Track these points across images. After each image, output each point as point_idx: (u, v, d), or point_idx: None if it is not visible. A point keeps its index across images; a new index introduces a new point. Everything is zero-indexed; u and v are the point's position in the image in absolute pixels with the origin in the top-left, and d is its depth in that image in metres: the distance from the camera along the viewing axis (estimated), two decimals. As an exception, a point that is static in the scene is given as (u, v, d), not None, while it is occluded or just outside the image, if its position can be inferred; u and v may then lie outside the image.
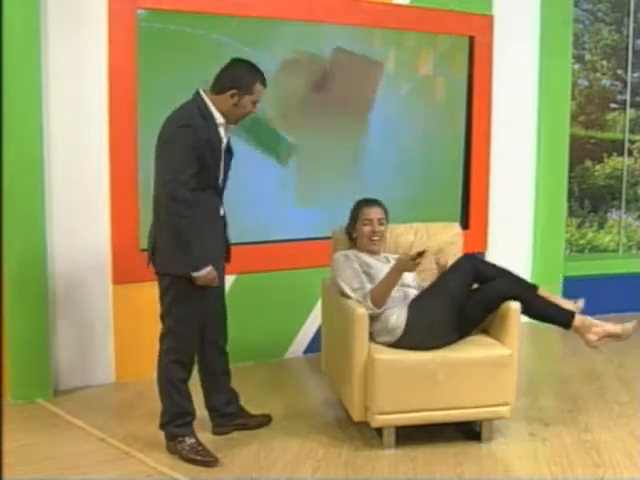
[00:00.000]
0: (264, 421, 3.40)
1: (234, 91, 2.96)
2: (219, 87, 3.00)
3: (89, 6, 3.76)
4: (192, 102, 3.00)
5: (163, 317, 3.07)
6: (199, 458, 2.99)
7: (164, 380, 3.06)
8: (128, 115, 3.86)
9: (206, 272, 2.92)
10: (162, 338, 3.07)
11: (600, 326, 3.21)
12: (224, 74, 3.02)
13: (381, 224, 3.45)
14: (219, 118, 2.99)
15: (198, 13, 4.01)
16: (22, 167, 3.56)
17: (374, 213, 3.45)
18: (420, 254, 3.08)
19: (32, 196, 3.62)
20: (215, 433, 3.27)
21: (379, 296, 3.19)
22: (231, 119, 3.03)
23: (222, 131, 3.03)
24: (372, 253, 3.45)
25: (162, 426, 3.10)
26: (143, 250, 3.95)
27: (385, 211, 3.50)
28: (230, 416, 3.30)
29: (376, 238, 3.44)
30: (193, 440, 3.04)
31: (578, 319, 3.22)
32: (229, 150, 3.12)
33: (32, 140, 3.60)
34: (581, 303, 3.33)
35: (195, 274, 2.90)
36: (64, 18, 3.69)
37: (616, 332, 3.20)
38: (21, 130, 3.54)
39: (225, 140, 3.05)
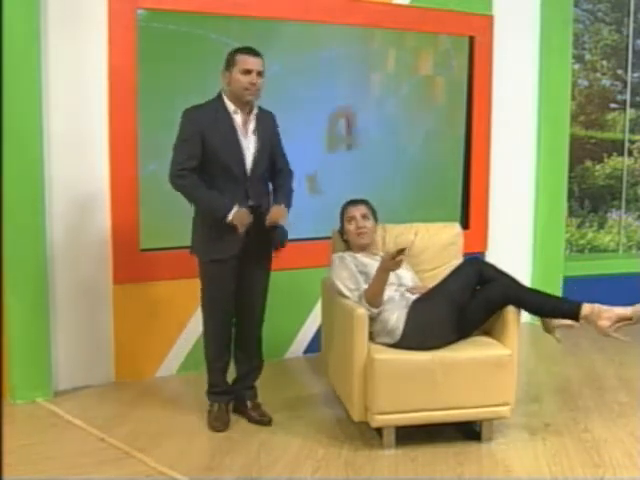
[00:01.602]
0: (260, 421, 3.40)
1: (224, 72, 3.18)
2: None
3: (89, 6, 3.76)
4: (212, 100, 3.23)
5: (201, 294, 3.36)
6: (212, 423, 3.35)
7: (204, 353, 3.43)
8: (128, 115, 3.86)
9: (235, 212, 3.09)
10: (202, 311, 3.39)
11: (610, 311, 3.11)
12: None
13: (366, 219, 3.50)
14: (231, 106, 3.18)
15: (198, 13, 4.02)
16: (22, 167, 3.56)
17: (356, 210, 3.51)
18: (400, 251, 3.09)
19: (32, 196, 3.62)
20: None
21: (372, 296, 3.19)
22: (238, 99, 3.17)
23: (238, 119, 3.19)
24: (365, 250, 3.49)
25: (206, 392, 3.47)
26: (143, 250, 3.98)
27: (371, 208, 3.56)
28: (231, 392, 3.49)
29: (362, 232, 3.48)
30: (216, 407, 3.39)
31: (586, 307, 3.12)
32: (259, 136, 3.24)
33: (32, 140, 3.59)
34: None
35: (228, 220, 3.09)
36: (64, 18, 3.69)
37: (627, 314, 3.11)
38: (21, 130, 3.53)
39: (249, 128, 3.21)
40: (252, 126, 3.22)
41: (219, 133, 3.15)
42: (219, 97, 3.21)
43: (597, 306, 3.14)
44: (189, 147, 3.13)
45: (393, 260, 3.09)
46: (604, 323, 3.11)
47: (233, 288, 3.30)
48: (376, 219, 3.58)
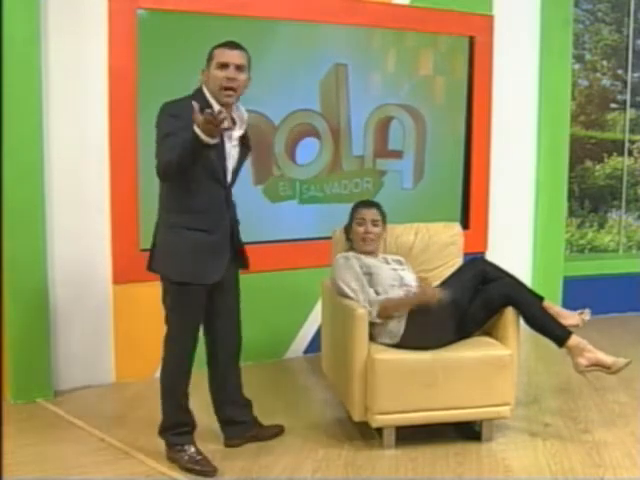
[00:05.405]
0: (276, 432, 3.29)
1: (202, 69, 2.85)
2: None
3: (89, 6, 3.76)
4: (191, 94, 2.86)
5: (166, 320, 2.96)
6: (198, 468, 2.91)
7: (165, 388, 2.99)
8: (128, 115, 3.85)
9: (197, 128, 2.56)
10: (164, 342, 2.98)
11: (593, 352, 3.15)
12: None
13: (375, 225, 3.45)
14: (216, 105, 2.80)
15: (198, 13, 4.01)
16: (22, 167, 3.56)
17: (369, 214, 3.46)
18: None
19: (32, 196, 3.62)
20: (227, 445, 3.15)
21: (386, 312, 3.17)
22: (218, 97, 2.81)
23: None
24: (369, 254, 3.45)
25: (161, 432, 3.02)
26: (143, 250, 3.97)
27: (382, 213, 3.50)
28: (242, 425, 3.19)
29: (368, 238, 3.42)
30: (193, 450, 2.96)
31: (574, 339, 3.16)
32: (244, 145, 2.95)
33: (32, 140, 3.60)
34: (587, 315, 3.28)
35: (205, 138, 2.56)
36: (64, 18, 3.69)
37: (607, 363, 3.14)
38: (21, 130, 3.54)
39: (233, 132, 2.87)
40: (238, 133, 2.91)
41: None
42: (202, 95, 2.83)
43: (584, 343, 3.17)
44: (173, 140, 2.68)
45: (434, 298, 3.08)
46: (581, 361, 3.16)
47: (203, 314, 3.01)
48: (385, 223, 3.51)
